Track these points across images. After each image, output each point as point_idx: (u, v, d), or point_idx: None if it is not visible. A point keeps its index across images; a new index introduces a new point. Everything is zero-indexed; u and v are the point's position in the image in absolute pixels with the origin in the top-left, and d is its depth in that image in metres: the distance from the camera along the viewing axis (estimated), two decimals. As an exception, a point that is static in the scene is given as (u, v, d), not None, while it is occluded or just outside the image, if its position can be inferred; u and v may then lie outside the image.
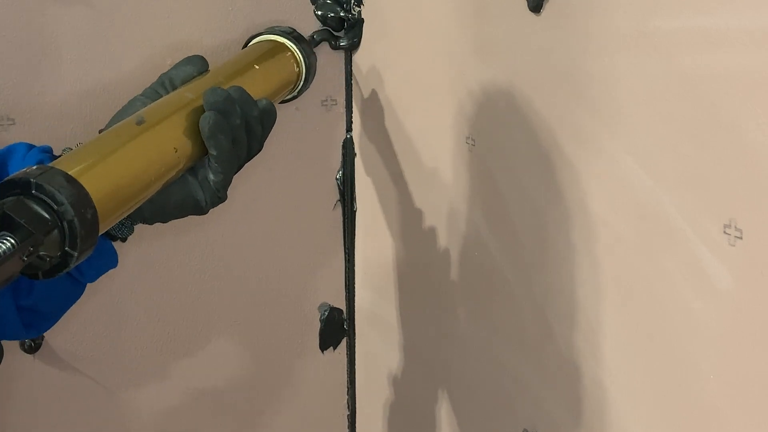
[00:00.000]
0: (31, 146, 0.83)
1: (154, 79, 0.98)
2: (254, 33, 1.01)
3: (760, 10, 0.62)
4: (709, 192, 0.68)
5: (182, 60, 0.87)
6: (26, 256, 0.61)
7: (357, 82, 1.10)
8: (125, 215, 0.73)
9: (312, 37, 1.05)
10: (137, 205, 0.74)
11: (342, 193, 1.14)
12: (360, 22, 1.07)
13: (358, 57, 1.09)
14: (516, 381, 0.93)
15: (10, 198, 0.63)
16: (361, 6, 1.07)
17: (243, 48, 1.01)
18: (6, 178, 0.64)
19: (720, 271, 0.68)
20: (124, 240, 0.82)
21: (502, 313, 0.94)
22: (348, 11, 1.07)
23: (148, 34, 0.98)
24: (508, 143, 0.89)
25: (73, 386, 1.03)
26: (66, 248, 0.64)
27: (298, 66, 0.98)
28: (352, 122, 1.12)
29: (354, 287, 1.18)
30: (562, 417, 0.87)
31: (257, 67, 0.93)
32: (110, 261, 0.82)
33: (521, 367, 0.92)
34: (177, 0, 0.99)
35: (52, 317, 0.83)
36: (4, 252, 0.59)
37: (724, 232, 0.67)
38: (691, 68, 0.68)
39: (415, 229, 1.06)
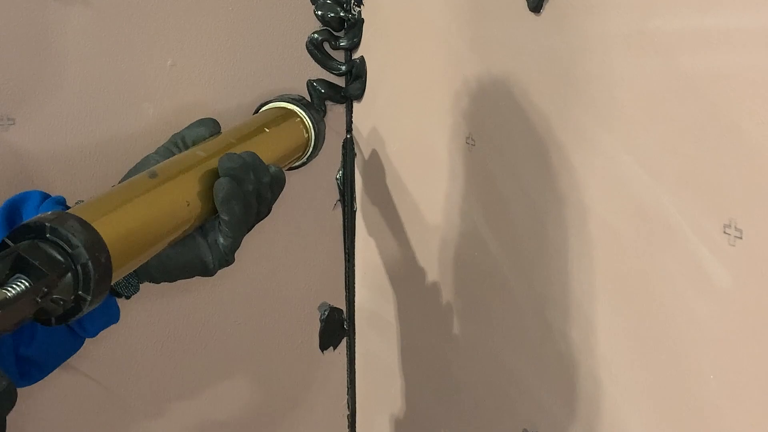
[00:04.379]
0: (46, 195, 0.84)
1: (155, 78, 0.99)
2: (264, 101, 1.03)
3: (760, 10, 0.62)
4: (709, 192, 0.68)
5: (195, 121, 0.89)
6: (40, 298, 0.61)
7: (357, 82, 1.10)
8: (137, 266, 0.74)
9: (320, 107, 1.08)
10: (148, 257, 0.75)
11: (342, 193, 1.14)
12: (360, 22, 1.07)
13: (357, 57, 1.09)
14: (516, 381, 0.93)
15: (25, 242, 0.63)
16: (361, 6, 1.07)
17: (253, 114, 1.03)
18: (21, 224, 0.65)
19: (720, 271, 0.68)
20: (128, 298, 0.82)
21: (502, 313, 0.94)
22: (348, 11, 1.07)
23: (149, 33, 0.98)
24: (508, 143, 0.89)
25: (72, 386, 1.03)
26: (79, 292, 0.64)
27: (307, 132, 1.00)
28: (352, 122, 1.12)
29: (354, 287, 1.18)
30: (562, 417, 0.87)
31: (267, 130, 0.94)
32: (113, 317, 0.83)
33: (521, 367, 0.92)
34: (176, 1, 0.99)
35: (47, 368, 0.84)
36: (18, 292, 0.60)
37: (724, 232, 0.67)
38: (691, 68, 0.68)
39: (415, 229, 1.06)
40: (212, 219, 0.81)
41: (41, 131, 0.94)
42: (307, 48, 1.07)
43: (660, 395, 0.76)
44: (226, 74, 1.03)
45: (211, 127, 0.88)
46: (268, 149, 0.90)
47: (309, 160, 1.02)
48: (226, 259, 0.81)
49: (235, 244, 0.81)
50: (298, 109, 1.00)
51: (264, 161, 0.84)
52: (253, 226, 0.84)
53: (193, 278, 0.83)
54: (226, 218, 0.79)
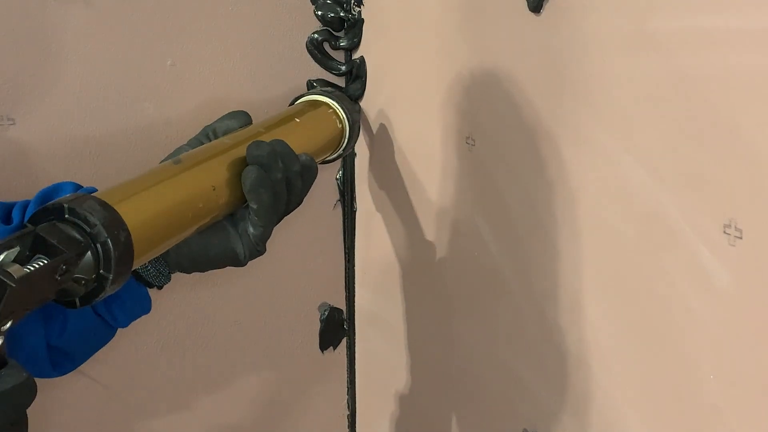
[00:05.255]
0: (78, 187, 0.84)
1: (155, 78, 0.99)
2: (297, 94, 1.02)
3: (760, 10, 0.62)
4: (709, 192, 0.68)
5: (227, 114, 0.87)
6: (59, 276, 0.61)
7: (357, 82, 1.10)
8: (164, 250, 0.73)
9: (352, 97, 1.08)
10: (175, 241, 0.74)
11: (342, 193, 1.14)
12: (360, 22, 1.07)
13: (357, 57, 1.09)
14: (516, 381, 0.93)
15: (44, 223, 0.63)
16: (361, 6, 1.07)
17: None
18: (41, 207, 0.64)
19: (720, 271, 0.68)
20: (160, 288, 0.82)
21: (502, 313, 0.94)
22: (348, 11, 1.07)
23: (149, 33, 0.98)
24: (508, 143, 0.89)
25: (70, 386, 1.03)
26: (100, 270, 0.64)
27: (340, 122, 0.99)
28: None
29: (354, 287, 1.18)
30: (561, 417, 0.88)
31: (298, 120, 0.93)
32: (144, 307, 0.83)
33: (521, 367, 0.92)
34: (176, 0, 0.99)
35: (79, 358, 0.84)
36: (36, 268, 0.60)
37: (724, 232, 0.67)
38: (691, 68, 0.68)
39: (415, 228, 1.06)
40: (242, 208, 0.80)
41: (41, 131, 0.94)
42: (307, 48, 1.07)
43: (660, 395, 0.76)
44: (226, 74, 1.03)
45: (242, 119, 0.87)
46: (298, 138, 0.88)
47: (345, 151, 1.01)
48: (257, 249, 0.80)
49: (266, 234, 0.80)
50: (330, 100, 0.99)
51: (295, 151, 0.83)
52: (283, 216, 0.83)
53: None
54: (254, 207, 0.78)
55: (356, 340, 1.20)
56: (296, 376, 1.18)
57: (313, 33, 1.07)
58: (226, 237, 0.80)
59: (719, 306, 0.68)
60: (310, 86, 1.08)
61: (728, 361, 0.69)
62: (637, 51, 0.73)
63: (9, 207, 0.83)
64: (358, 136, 1.02)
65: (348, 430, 1.24)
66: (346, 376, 1.21)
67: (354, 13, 1.07)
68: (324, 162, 1.00)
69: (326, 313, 1.18)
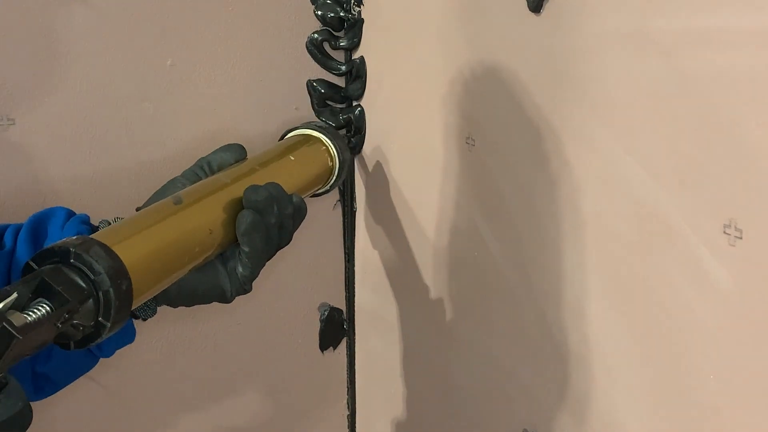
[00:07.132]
0: (71, 213, 0.84)
1: (155, 78, 0.99)
2: (290, 127, 1.03)
3: (760, 10, 0.62)
4: (709, 192, 0.68)
5: (222, 147, 0.88)
6: (60, 323, 0.61)
7: (357, 82, 1.10)
8: (158, 291, 0.74)
9: (349, 139, 1.09)
10: (170, 282, 0.75)
11: (342, 193, 1.14)
12: (360, 22, 1.07)
13: (357, 57, 1.09)
14: (516, 381, 0.93)
15: (49, 266, 0.64)
16: (361, 6, 1.07)
17: (279, 141, 1.02)
18: (46, 247, 0.65)
19: (720, 271, 0.68)
20: (144, 320, 0.83)
21: (501, 313, 0.94)
22: (348, 11, 1.07)
23: (149, 33, 0.98)
24: (508, 143, 0.89)
25: (71, 387, 1.02)
26: (99, 318, 0.64)
27: (332, 160, 1.00)
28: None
29: (354, 287, 1.18)
30: (562, 417, 0.88)
31: (292, 158, 0.94)
32: (128, 337, 0.83)
33: (521, 367, 0.92)
34: (176, 0, 0.99)
35: (60, 384, 0.84)
36: (39, 317, 0.60)
37: (724, 232, 0.67)
38: (691, 68, 0.68)
39: (414, 228, 1.06)
40: (233, 247, 0.81)
41: (41, 131, 0.94)
42: (307, 48, 1.07)
43: (660, 395, 0.76)
44: (225, 74, 1.03)
45: (237, 152, 0.88)
46: (292, 177, 0.90)
47: (331, 188, 1.02)
48: (244, 288, 0.82)
49: (254, 274, 0.82)
50: (323, 136, 1.00)
51: (287, 190, 0.84)
52: (273, 255, 0.84)
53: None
54: (246, 249, 0.80)
55: (356, 340, 1.20)
56: (296, 376, 1.18)
57: (313, 33, 1.07)
58: (215, 275, 0.81)
59: (719, 306, 0.68)
60: (310, 86, 1.08)
61: (728, 361, 0.69)
62: (636, 51, 0.73)
63: (1, 230, 0.83)
64: (346, 175, 1.02)
65: (348, 430, 1.24)
66: (346, 376, 1.21)
67: (354, 13, 1.07)
68: (312, 196, 1.00)
69: (326, 313, 1.18)
